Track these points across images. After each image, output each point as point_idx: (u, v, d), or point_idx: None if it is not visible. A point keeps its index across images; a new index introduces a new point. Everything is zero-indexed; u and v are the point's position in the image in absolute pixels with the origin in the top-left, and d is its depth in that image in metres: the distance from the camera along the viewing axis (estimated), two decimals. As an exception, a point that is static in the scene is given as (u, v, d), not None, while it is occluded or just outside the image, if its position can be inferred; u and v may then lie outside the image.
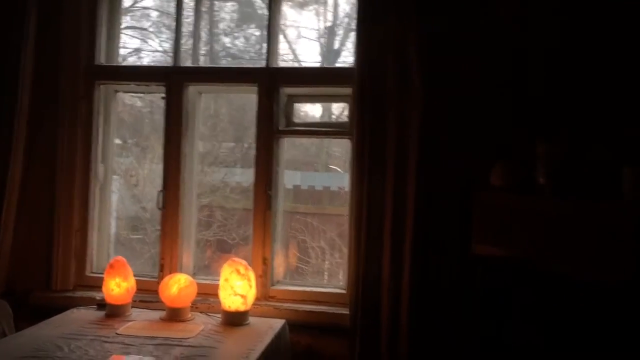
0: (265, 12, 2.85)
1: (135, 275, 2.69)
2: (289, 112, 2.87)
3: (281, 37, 2.93)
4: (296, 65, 3.09)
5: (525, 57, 2.43)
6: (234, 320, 2.50)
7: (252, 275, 2.54)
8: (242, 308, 2.50)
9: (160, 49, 3.42)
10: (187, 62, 2.95)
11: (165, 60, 3.23)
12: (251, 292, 2.52)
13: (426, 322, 2.50)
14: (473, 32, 2.49)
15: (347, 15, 3.22)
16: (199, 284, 2.66)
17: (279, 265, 2.89)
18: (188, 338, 2.29)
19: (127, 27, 3.33)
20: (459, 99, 2.48)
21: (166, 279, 2.57)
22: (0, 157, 2.76)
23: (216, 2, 3.20)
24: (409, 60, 2.48)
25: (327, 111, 3.24)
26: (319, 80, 2.83)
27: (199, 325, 2.45)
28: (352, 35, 2.99)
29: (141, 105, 3.60)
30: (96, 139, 2.96)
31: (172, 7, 2.99)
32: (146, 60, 3.38)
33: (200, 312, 2.66)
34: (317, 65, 3.12)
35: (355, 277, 2.55)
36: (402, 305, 2.49)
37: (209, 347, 2.21)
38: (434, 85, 2.45)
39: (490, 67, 2.47)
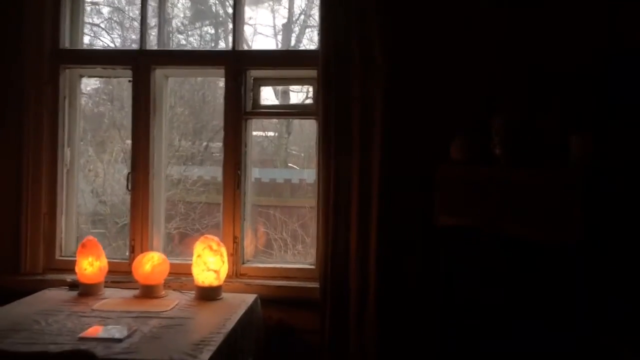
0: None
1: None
2: (255, 95, 2.94)
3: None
4: (262, 48, 3.15)
5: (480, 35, 2.58)
6: (208, 295, 2.56)
7: (224, 251, 2.62)
8: (215, 283, 2.57)
9: (120, 34, 3.45)
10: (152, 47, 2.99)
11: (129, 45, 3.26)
12: (224, 268, 2.59)
13: (393, 292, 2.63)
14: (432, 12, 2.62)
15: (303, 12, 3.33)
16: (170, 264, 2.70)
17: (249, 245, 2.96)
18: (164, 311, 2.34)
19: (90, 12, 3.33)
20: (420, 77, 2.62)
21: (139, 257, 2.61)
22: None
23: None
24: (371, 41, 2.59)
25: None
26: (284, 62, 2.90)
27: (174, 301, 2.51)
28: (307, 32, 3.15)
29: (99, 100, 3.64)
30: (62, 123, 2.96)
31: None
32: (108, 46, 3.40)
33: (173, 290, 2.71)
34: (283, 48, 3.19)
35: (324, 251, 2.65)
36: (370, 277, 2.61)
37: (186, 318, 2.28)
38: (396, 63, 2.57)
39: (449, 45, 2.60)
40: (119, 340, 1.95)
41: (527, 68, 2.53)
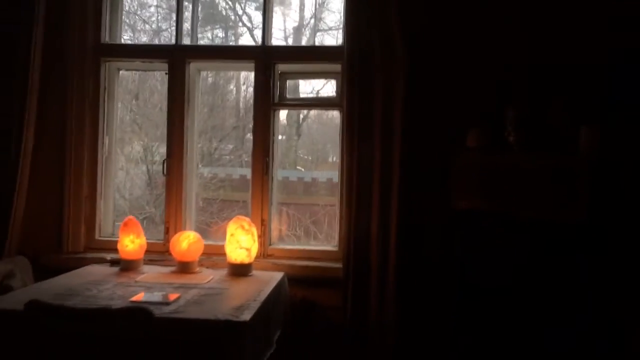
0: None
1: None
2: (282, 88, 3.15)
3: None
4: (289, 44, 3.34)
5: (495, 29, 2.76)
6: (240, 271, 2.76)
7: (255, 230, 2.82)
8: (246, 260, 2.77)
9: (156, 29, 3.66)
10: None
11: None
12: (254, 246, 2.79)
13: (411, 272, 2.80)
14: (449, 8, 2.81)
15: (313, 16, 3.51)
16: (202, 245, 2.90)
17: (275, 228, 3.16)
18: (202, 283, 2.54)
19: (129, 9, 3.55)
20: (438, 70, 2.81)
21: (176, 235, 2.82)
22: (13, 130, 2.94)
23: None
24: (392, 36, 2.78)
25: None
26: (310, 57, 3.11)
27: (209, 276, 2.71)
28: (318, 36, 3.36)
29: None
30: (102, 114, 3.17)
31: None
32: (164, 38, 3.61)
33: (206, 267, 2.91)
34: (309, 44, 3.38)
35: (347, 233, 2.84)
36: (390, 257, 2.78)
37: (222, 289, 2.48)
38: (416, 56, 2.75)
39: (465, 39, 2.79)
40: (167, 304, 2.15)
41: (539, 62, 2.71)
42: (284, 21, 3.71)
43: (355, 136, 2.83)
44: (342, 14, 2.98)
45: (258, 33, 3.44)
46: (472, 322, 2.60)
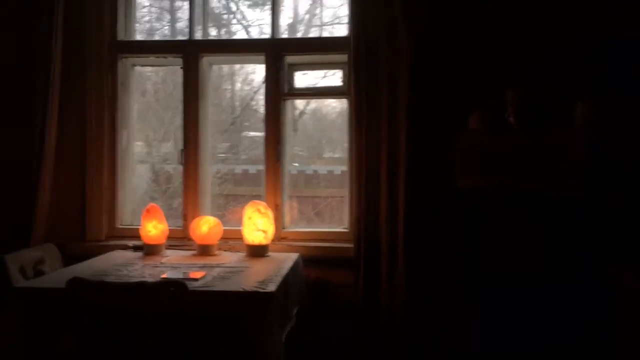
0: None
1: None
2: (290, 79, 3.30)
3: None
4: (298, 36, 3.48)
5: (494, 15, 2.92)
6: (257, 252, 2.92)
7: (270, 213, 2.97)
8: (264, 242, 2.92)
9: (168, 26, 3.79)
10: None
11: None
12: (271, 228, 2.95)
13: (420, 249, 2.96)
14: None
15: (308, 12, 3.62)
16: (218, 229, 3.04)
17: (288, 213, 3.31)
18: (224, 263, 2.70)
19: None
20: (440, 55, 2.96)
21: (196, 220, 2.97)
22: (36, 124, 3.09)
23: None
24: (396, 25, 2.92)
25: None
26: (318, 48, 3.26)
27: (228, 257, 2.87)
28: (313, 31, 3.49)
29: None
30: (120, 108, 3.32)
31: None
32: (157, 37, 3.74)
33: (225, 251, 3.06)
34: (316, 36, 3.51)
35: (358, 215, 2.99)
36: (399, 236, 2.93)
37: (244, 267, 2.64)
38: (419, 44, 2.90)
39: (466, 25, 2.95)
40: (196, 280, 2.30)
41: (536, 45, 2.87)
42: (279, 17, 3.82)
43: (363, 122, 2.98)
44: (346, 5, 3.11)
45: (253, 30, 3.59)
46: (478, 297, 2.75)
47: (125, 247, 3.12)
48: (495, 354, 2.61)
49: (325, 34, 3.51)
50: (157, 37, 3.61)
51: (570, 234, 2.52)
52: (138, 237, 3.12)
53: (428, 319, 2.96)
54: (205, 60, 3.30)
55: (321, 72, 3.46)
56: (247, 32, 3.65)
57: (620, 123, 2.65)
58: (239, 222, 3.04)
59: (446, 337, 2.91)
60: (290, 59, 3.27)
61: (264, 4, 3.57)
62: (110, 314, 2.03)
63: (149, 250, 2.95)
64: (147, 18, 3.77)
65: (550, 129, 2.60)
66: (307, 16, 3.66)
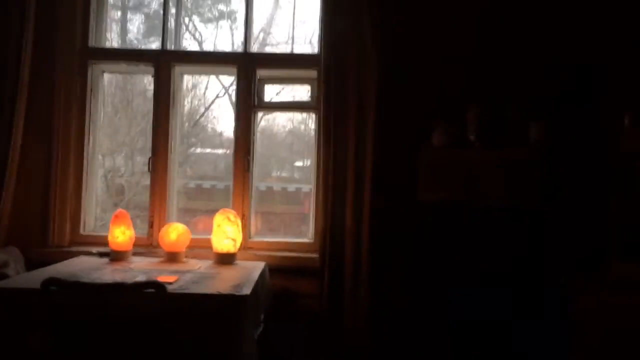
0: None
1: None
2: (260, 92, 3.38)
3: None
4: (270, 51, 3.58)
5: (457, 39, 3.11)
6: (225, 260, 2.97)
7: (239, 222, 3.03)
8: (232, 250, 2.98)
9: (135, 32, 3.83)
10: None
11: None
12: (239, 237, 3.00)
13: (383, 260, 3.07)
14: (417, 18, 3.14)
15: (263, 30, 3.74)
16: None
17: (254, 223, 3.37)
18: (194, 269, 2.74)
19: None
20: (406, 75, 3.11)
21: (165, 227, 3.00)
22: (3, 128, 3.05)
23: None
24: (364, 44, 3.05)
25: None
26: (288, 64, 3.36)
27: (197, 264, 2.90)
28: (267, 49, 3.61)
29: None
30: (88, 113, 3.32)
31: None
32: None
33: (191, 259, 3.09)
34: (288, 51, 3.62)
35: (324, 225, 3.08)
36: (363, 247, 3.03)
37: (214, 273, 2.69)
38: (387, 64, 3.05)
39: (432, 49, 3.12)
40: (170, 283, 2.33)
41: (496, 68, 3.08)
42: (232, 35, 3.91)
43: (331, 135, 3.09)
44: (317, 24, 3.23)
45: (207, 46, 3.66)
46: (439, 306, 2.89)
47: (90, 253, 3.10)
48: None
49: (293, 49, 3.61)
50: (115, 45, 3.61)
51: (526, 243, 2.70)
52: (101, 245, 3.13)
53: (391, 327, 3.07)
54: (177, 69, 3.35)
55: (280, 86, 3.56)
56: (201, 47, 3.72)
57: (571, 140, 2.88)
58: (204, 231, 3.08)
59: (409, 345, 3.02)
60: (260, 72, 3.36)
61: (217, 20, 3.66)
62: (87, 314, 2.04)
63: (116, 257, 2.94)
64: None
65: (508, 147, 2.78)
66: (261, 35, 3.75)
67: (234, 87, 3.34)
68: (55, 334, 2.02)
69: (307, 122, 3.73)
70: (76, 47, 3.26)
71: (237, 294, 2.21)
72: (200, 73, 3.63)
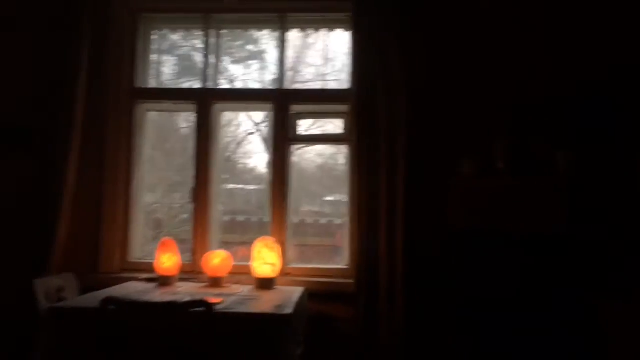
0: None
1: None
2: (293, 127, 3.58)
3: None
4: (303, 87, 3.79)
5: (482, 75, 3.28)
6: (266, 284, 3.12)
7: (278, 248, 3.19)
8: (272, 275, 3.13)
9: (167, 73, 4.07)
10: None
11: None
12: (278, 262, 3.16)
13: (417, 286, 3.18)
14: (446, 61, 3.32)
15: (292, 69, 3.90)
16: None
17: (291, 250, 3.53)
18: (237, 292, 2.90)
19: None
20: (435, 107, 3.28)
21: (208, 253, 3.18)
22: (58, 163, 3.31)
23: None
24: (393, 80, 3.24)
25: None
26: (320, 99, 3.57)
27: (239, 288, 3.06)
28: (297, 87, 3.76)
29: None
30: (135, 149, 3.56)
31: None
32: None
33: (233, 284, 3.25)
34: (320, 87, 3.82)
35: (359, 253, 3.21)
36: (397, 273, 3.15)
37: (256, 296, 2.84)
38: (417, 99, 3.23)
39: (461, 86, 3.29)
40: (216, 304, 2.49)
41: (520, 99, 3.22)
42: (263, 74, 4.05)
43: (364, 166, 3.25)
44: (348, 61, 3.43)
45: (238, 85, 3.85)
46: (471, 329, 2.98)
47: (138, 279, 3.29)
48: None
49: (325, 85, 3.80)
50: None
51: (553, 268, 2.79)
52: (148, 271, 3.31)
53: (426, 351, 3.17)
54: (217, 107, 3.58)
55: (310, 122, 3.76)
56: (232, 85, 3.92)
57: (597, 169, 2.99)
58: (242, 260, 3.28)
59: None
60: (293, 108, 3.56)
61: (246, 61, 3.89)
62: (142, 331, 2.21)
63: (163, 281, 3.13)
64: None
65: (536, 175, 2.91)
66: (290, 73, 3.93)
67: (265, 123, 3.54)
68: (110, 352, 2.18)
69: (336, 157, 3.89)
70: (124, 88, 3.52)
71: (279, 313, 2.36)
72: (237, 110, 3.84)
